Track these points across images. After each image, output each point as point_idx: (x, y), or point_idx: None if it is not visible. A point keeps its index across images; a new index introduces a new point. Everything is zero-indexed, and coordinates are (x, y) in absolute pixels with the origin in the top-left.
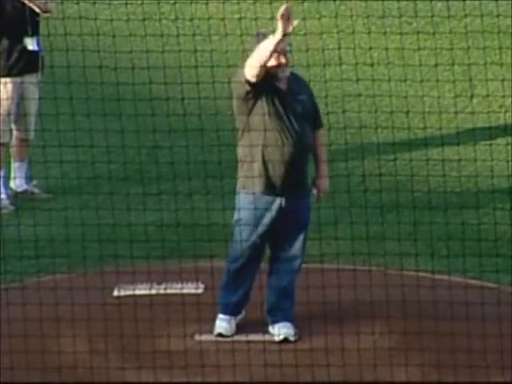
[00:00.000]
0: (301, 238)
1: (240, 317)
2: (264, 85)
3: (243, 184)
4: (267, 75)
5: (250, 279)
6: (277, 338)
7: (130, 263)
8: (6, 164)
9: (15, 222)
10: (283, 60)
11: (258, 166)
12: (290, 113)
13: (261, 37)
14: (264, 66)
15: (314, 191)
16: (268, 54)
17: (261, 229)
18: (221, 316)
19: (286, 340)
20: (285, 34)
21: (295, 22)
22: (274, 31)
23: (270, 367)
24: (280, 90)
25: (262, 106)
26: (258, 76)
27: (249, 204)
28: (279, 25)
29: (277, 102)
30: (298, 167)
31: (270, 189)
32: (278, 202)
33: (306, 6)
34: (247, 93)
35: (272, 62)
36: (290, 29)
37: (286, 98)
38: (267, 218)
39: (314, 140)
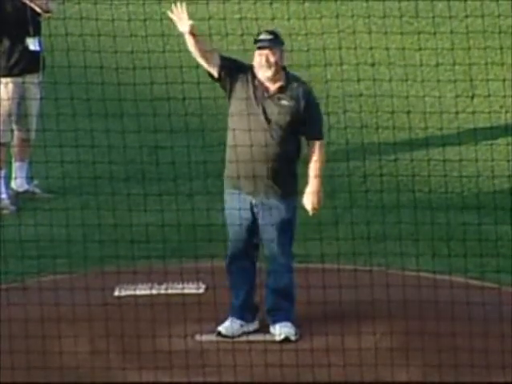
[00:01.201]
0: (279, 238)
1: (252, 325)
2: (237, 84)
3: (224, 184)
4: (252, 74)
5: (245, 279)
6: (277, 338)
7: (130, 263)
8: (6, 164)
9: (16, 222)
10: (263, 61)
11: (228, 166)
12: (260, 115)
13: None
14: (202, 62)
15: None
16: (192, 50)
17: (237, 228)
18: (228, 317)
19: (286, 340)
20: (193, 34)
21: (189, 22)
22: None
23: (270, 367)
24: (256, 90)
25: (234, 104)
26: (208, 72)
27: (226, 203)
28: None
29: (247, 103)
30: (267, 171)
31: (240, 189)
32: (249, 201)
33: (307, 6)
34: (222, 87)
35: (255, 61)
36: (186, 28)
37: (261, 99)
38: (241, 218)
39: (309, 151)
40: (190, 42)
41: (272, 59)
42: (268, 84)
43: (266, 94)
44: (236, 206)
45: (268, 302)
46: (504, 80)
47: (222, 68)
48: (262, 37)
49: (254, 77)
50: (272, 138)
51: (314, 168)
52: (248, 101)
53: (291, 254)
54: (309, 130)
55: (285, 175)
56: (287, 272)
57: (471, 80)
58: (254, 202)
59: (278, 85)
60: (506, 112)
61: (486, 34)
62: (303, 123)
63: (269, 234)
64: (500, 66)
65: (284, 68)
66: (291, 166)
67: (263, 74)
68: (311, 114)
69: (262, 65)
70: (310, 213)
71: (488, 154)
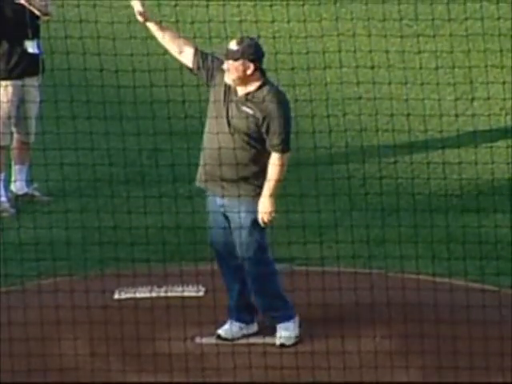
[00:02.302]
0: (248, 242)
1: (251, 327)
2: (214, 80)
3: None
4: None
5: (235, 279)
6: (277, 342)
7: (130, 266)
8: (6, 167)
9: (16, 225)
10: (225, 66)
11: (199, 168)
12: (224, 118)
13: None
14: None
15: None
16: (160, 41)
17: (213, 230)
18: (228, 320)
19: (282, 346)
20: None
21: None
22: (274, 33)
23: (270, 370)
24: (228, 91)
25: (209, 105)
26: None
27: (206, 206)
28: None
29: (216, 105)
30: (233, 175)
31: (208, 189)
32: (218, 202)
33: (307, 9)
34: (201, 79)
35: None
36: (140, 18)
37: (228, 102)
38: (216, 221)
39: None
40: (153, 32)
41: (232, 70)
42: (237, 88)
43: (233, 98)
44: (209, 208)
45: (259, 306)
46: (504, 83)
47: (197, 62)
48: (229, 46)
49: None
50: (235, 142)
51: (268, 172)
52: (217, 103)
53: (265, 258)
54: (268, 141)
55: (252, 179)
56: (264, 277)
57: (471, 83)
58: (223, 204)
59: (245, 91)
60: (506, 115)
61: (486, 37)
62: (266, 133)
63: (238, 237)
64: (500, 68)
65: (263, 73)
66: (259, 169)
67: (227, 79)
68: (271, 125)
69: (226, 71)
70: (259, 217)
71: (488, 156)
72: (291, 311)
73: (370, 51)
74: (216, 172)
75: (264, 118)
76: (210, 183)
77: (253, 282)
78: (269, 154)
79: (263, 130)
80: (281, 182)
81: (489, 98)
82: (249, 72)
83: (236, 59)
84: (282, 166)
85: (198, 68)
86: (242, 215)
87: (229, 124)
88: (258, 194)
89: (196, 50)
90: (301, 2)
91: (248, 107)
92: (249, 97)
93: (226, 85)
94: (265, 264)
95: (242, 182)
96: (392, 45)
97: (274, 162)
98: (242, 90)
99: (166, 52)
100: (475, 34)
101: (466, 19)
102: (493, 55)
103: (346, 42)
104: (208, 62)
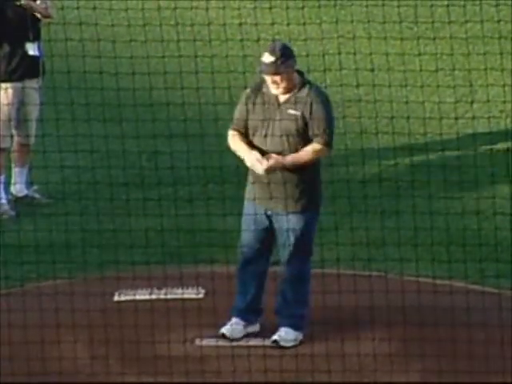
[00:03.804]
0: (289, 247)
1: (254, 327)
2: (250, 115)
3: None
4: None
5: (255, 284)
6: (275, 337)
7: (130, 268)
8: (6, 169)
9: (15, 228)
10: (269, 82)
11: (249, 174)
12: (274, 124)
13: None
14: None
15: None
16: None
17: (250, 235)
18: (232, 318)
19: (275, 343)
20: None
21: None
22: (273, 36)
23: (270, 372)
24: (268, 102)
25: (251, 119)
26: None
27: (244, 210)
28: None
29: (263, 113)
30: (283, 182)
31: (256, 197)
32: (263, 210)
33: (307, 11)
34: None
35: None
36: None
37: (273, 109)
38: (252, 223)
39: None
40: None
41: (279, 83)
42: (278, 95)
43: (276, 104)
44: (251, 212)
45: (276, 305)
46: (504, 85)
47: (244, 125)
48: (266, 59)
49: (262, 91)
50: (285, 146)
51: (300, 153)
52: (264, 112)
53: (306, 265)
54: (313, 135)
55: (301, 186)
56: (298, 282)
57: (471, 85)
58: (269, 211)
59: (288, 95)
60: (506, 117)
61: (486, 39)
62: (312, 129)
63: (283, 241)
64: (500, 71)
65: (301, 74)
66: (308, 176)
67: (273, 90)
68: (315, 118)
69: (271, 84)
70: (257, 165)
71: (487, 159)
72: (302, 323)
73: (370, 53)
74: (266, 179)
75: (311, 117)
76: (259, 189)
77: (283, 283)
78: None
79: (309, 128)
80: (301, 165)
81: (489, 101)
82: (294, 79)
83: (280, 73)
84: (315, 154)
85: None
86: (292, 223)
87: (280, 129)
88: (309, 202)
89: (241, 127)
90: (300, 5)
91: (294, 109)
92: (292, 99)
93: (263, 99)
94: (304, 269)
95: (293, 189)
96: (392, 47)
97: (311, 148)
98: (283, 96)
99: (165, 55)
100: (475, 36)
101: (466, 21)
102: (493, 58)
103: (345, 44)
104: (243, 117)
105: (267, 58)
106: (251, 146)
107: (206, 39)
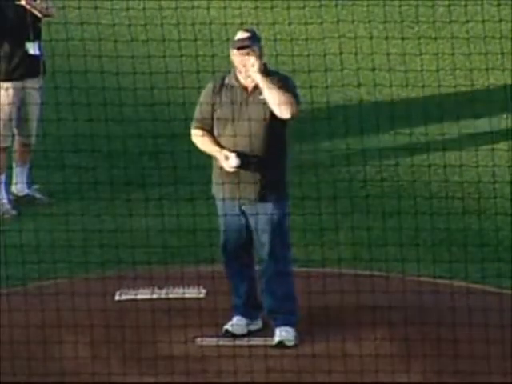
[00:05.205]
0: (268, 242)
1: (256, 324)
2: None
3: (213, 191)
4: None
5: (244, 277)
6: (274, 341)
7: (131, 268)
8: (7, 169)
9: (16, 227)
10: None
11: (214, 173)
12: (244, 116)
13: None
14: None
15: None
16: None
17: (228, 234)
18: (234, 316)
19: (281, 344)
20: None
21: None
22: (275, 35)
23: (271, 372)
24: (235, 94)
25: (218, 112)
26: None
27: (218, 211)
28: None
29: (231, 107)
30: (253, 176)
31: (227, 195)
32: (238, 207)
33: (308, 11)
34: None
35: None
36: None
37: (242, 100)
38: (230, 222)
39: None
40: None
41: (251, 62)
42: (247, 83)
43: (245, 95)
44: (224, 211)
45: (266, 305)
46: (505, 85)
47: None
48: (241, 36)
49: (226, 84)
50: (257, 133)
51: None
52: (231, 103)
53: (287, 259)
54: None
55: (271, 178)
56: (282, 276)
57: (472, 85)
58: (242, 207)
59: (254, 83)
60: (507, 117)
61: (487, 39)
62: None
63: (260, 238)
64: (501, 70)
65: (265, 65)
66: (278, 168)
67: (242, 79)
68: (282, 86)
69: (241, 67)
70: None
71: (489, 158)
72: (295, 316)
73: (371, 53)
74: (235, 175)
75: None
76: (230, 187)
77: (268, 280)
78: (283, 150)
79: None
80: (272, 90)
81: (490, 100)
82: (262, 65)
83: (253, 48)
84: (286, 98)
85: (212, 119)
86: (265, 217)
87: (251, 119)
88: (280, 194)
89: (206, 124)
90: (302, 4)
91: (263, 94)
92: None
93: (231, 91)
94: (285, 265)
95: (263, 182)
96: (393, 47)
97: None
98: (251, 83)
99: (166, 54)
100: (476, 36)
101: (467, 21)
102: (494, 57)
103: (347, 44)
104: (208, 114)
105: (241, 34)
106: (219, 142)
107: (207, 39)
